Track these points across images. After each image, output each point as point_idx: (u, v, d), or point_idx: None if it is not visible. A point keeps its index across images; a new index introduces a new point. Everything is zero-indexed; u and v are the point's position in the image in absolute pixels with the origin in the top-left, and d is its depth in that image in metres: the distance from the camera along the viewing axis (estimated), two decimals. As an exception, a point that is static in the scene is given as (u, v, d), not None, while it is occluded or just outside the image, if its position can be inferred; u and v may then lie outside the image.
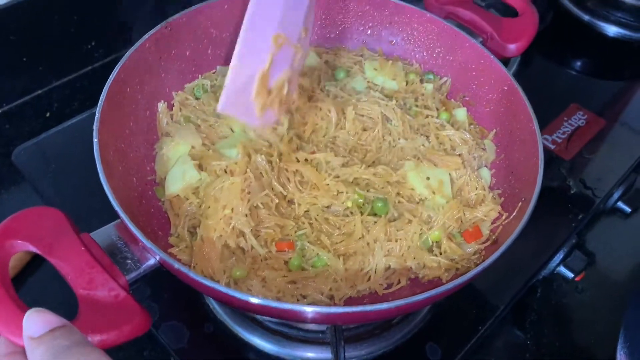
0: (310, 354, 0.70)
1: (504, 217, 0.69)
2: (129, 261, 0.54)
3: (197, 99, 0.77)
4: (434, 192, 0.69)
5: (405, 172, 0.70)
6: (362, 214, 0.67)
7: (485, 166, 0.77)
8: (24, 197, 0.86)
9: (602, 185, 0.92)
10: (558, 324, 0.81)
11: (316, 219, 0.66)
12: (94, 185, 0.57)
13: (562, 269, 0.84)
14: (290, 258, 0.64)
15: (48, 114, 0.98)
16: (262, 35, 0.61)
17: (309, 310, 0.51)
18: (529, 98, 0.72)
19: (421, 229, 0.66)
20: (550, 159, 0.94)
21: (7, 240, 0.51)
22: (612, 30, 1.15)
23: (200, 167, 0.68)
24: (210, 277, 0.62)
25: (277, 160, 0.68)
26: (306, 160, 0.69)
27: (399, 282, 0.65)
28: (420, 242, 0.66)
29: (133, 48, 0.68)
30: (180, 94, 0.77)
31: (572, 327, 0.81)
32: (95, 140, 0.59)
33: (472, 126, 0.81)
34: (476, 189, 0.72)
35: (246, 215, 0.63)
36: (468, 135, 0.77)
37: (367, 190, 0.68)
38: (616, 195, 0.94)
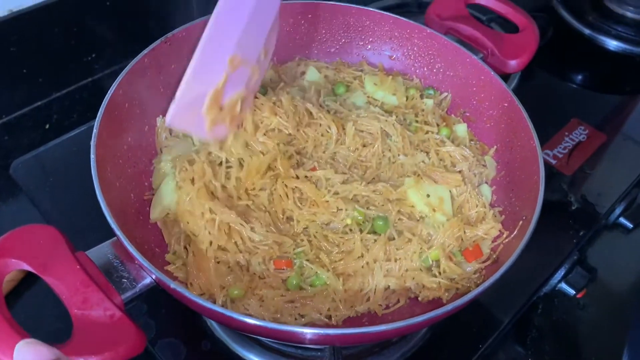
0: (308, 373, 0.69)
1: (504, 236, 0.68)
2: (125, 280, 0.54)
3: (196, 113, 0.77)
4: (434, 210, 0.68)
5: (405, 189, 0.69)
6: (361, 231, 0.66)
7: (486, 183, 0.76)
8: (21, 210, 0.85)
9: (603, 201, 0.91)
10: (559, 340, 0.80)
11: (315, 236, 0.66)
12: (92, 200, 0.57)
13: (563, 286, 0.83)
14: (288, 276, 0.63)
15: (47, 126, 0.98)
16: (219, 55, 0.62)
17: (307, 332, 0.50)
18: (529, 113, 0.72)
19: (421, 248, 0.66)
20: (551, 174, 0.93)
21: (1, 259, 0.51)
22: (613, 44, 1.15)
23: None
24: (207, 293, 0.62)
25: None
26: (305, 177, 0.69)
27: (397, 301, 0.65)
28: (419, 261, 0.65)
29: (132, 63, 0.68)
30: (179, 108, 0.77)
31: (574, 344, 0.80)
32: (92, 156, 0.59)
33: (472, 142, 0.81)
34: (477, 206, 0.71)
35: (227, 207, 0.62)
36: (468, 152, 0.76)
37: (367, 208, 0.67)
38: (618, 211, 0.93)
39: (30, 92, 0.98)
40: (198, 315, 0.73)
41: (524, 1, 0.93)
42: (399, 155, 0.75)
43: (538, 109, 0.74)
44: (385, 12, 0.85)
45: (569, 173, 0.94)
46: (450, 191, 0.71)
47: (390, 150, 0.75)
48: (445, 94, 0.85)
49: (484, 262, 0.67)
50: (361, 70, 0.86)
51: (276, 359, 0.69)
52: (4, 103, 0.96)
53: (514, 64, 0.82)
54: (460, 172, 0.74)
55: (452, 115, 0.84)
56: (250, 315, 0.55)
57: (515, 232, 0.66)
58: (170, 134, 0.75)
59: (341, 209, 0.67)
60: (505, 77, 0.80)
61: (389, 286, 0.64)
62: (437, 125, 0.79)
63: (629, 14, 1.17)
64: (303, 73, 0.85)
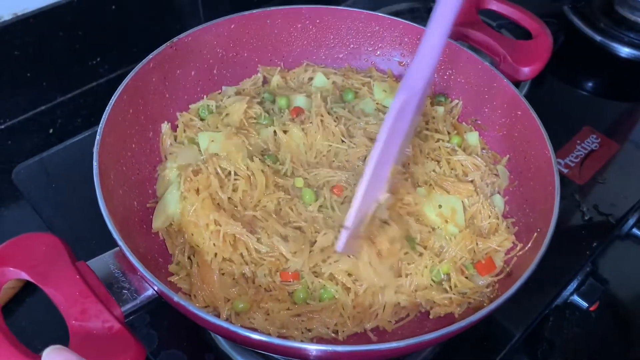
0: (314, 387, 0.67)
1: (518, 248, 0.66)
2: (125, 291, 0.53)
3: (202, 119, 0.76)
4: (446, 221, 0.67)
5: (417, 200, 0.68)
6: None
7: (498, 193, 0.74)
8: (23, 216, 0.84)
9: (616, 211, 0.89)
10: (570, 353, 0.78)
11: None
12: (95, 207, 0.56)
13: (575, 298, 0.81)
14: (295, 289, 0.61)
15: (51, 130, 0.97)
16: (386, 168, 0.59)
17: (314, 348, 0.48)
18: (540, 120, 0.70)
19: (432, 262, 0.64)
20: (563, 183, 0.90)
21: (-1, 268, 0.49)
22: (624, 51, 1.13)
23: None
24: (211, 306, 0.60)
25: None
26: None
27: (407, 315, 0.63)
28: (431, 276, 0.63)
29: (136, 69, 0.67)
30: (184, 114, 0.76)
31: (585, 357, 0.79)
32: (95, 164, 0.57)
33: (484, 151, 0.79)
34: (489, 217, 0.69)
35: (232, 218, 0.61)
36: (480, 161, 0.74)
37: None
38: (631, 222, 0.91)
39: (34, 97, 0.98)
40: (202, 327, 0.71)
41: (535, 7, 0.91)
42: (409, 164, 0.73)
43: (549, 117, 0.73)
44: (395, 18, 0.84)
45: (581, 182, 0.93)
46: (462, 201, 0.69)
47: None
48: (457, 101, 0.83)
49: (496, 275, 0.66)
50: (370, 77, 0.85)
51: (282, 373, 0.67)
52: (7, 107, 0.95)
53: (526, 71, 0.80)
54: (472, 181, 0.72)
55: (464, 123, 0.82)
56: (255, 330, 0.53)
57: (529, 245, 0.64)
58: (175, 141, 0.74)
59: None
60: (516, 84, 0.78)
61: (399, 302, 0.62)
62: (448, 133, 0.78)
63: (641, 21, 1.16)
64: (311, 79, 0.84)
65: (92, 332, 0.48)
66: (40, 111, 0.99)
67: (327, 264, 0.61)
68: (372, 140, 0.74)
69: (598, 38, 1.14)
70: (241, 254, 0.61)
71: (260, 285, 0.61)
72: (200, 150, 0.70)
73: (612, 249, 0.89)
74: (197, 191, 0.63)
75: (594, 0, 1.21)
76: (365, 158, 0.72)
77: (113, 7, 0.97)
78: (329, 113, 0.75)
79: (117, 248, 0.54)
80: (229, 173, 0.66)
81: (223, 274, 0.61)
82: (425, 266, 0.63)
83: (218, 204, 0.63)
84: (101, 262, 0.54)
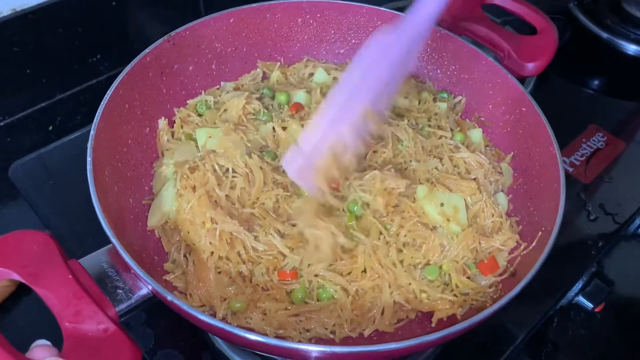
0: (312, 388, 0.66)
1: (522, 247, 0.65)
2: (120, 290, 0.51)
3: (199, 115, 0.75)
4: (448, 219, 0.65)
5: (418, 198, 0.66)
6: None
7: (502, 191, 0.73)
8: (21, 213, 0.83)
9: (622, 211, 0.87)
10: (575, 355, 0.77)
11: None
12: (91, 204, 0.55)
13: (581, 299, 0.80)
14: (293, 289, 0.60)
15: (51, 128, 0.96)
16: (355, 104, 0.58)
17: (312, 349, 0.47)
18: (545, 118, 0.69)
19: (430, 261, 0.63)
20: (569, 182, 0.89)
21: (-12, 268, 0.48)
22: (631, 48, 1.12)
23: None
24: (207, 305, 0.59)
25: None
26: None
27: (407, 316, 0.61)
28: (432, 276, 0.62)
29: (132, 63, 0.66)
30: (182, 110, 0.75)
31: (590, 359, 0.78)
32: (89, 159, 0.56)
33: (488, 148, 0.78)
34: (492, 215, 0.68)
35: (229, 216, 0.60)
36: (484, 158, 0.73)
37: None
38: (638, 222, 0.89)
39: (34, 94, 0.97)
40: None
41: (540, 3, 0.90)
42: (410, 161, 0.72)
43: (554, 115, 0.72)
44: (398, 12, 0.82)
45: (587, 181, 0.91)
46: (465, 200, 0.68)
47: (401, 155, 0.72)
48: (460, 97, 0.82)
49: (500, 275, 0.64)
50: (372, 73, 0.83)
51: (280, 374, 0.66)
52: (6, 104, 0.95)
53: (531, 67, 0.79)
54: (475, 179, 0.71)
55: (467, 119, 0.81)
56: (252, 330, 0.52)
57: (534, 244, 0.63)
58: (173, 137, 0.72)
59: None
60: (521, 81, 0.77)
61: (399, 302, 0.61)
62: (451, 130, 0.76)
63: (648, 18, 1.14)
64: (311, 75, 0.83)
65: (86, 334, 0.47)
66: (39, 108, 0.98)
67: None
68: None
69: (604, 35, 1.13)
70: (238, 253, 0.60)
71: (257, 284, 0.60)
72: (197, 147, 0.70)
73: (618, 249, 0.88)
74: (194, 188, 0.62)
75: (601, -3, 1.20)
76: (366, 155, 0.70)
77: (113, 3, 0.97)
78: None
79: (110, 245, 0.52)
80: (227, 170, 0.65)
81: (219, 273, 0.60)
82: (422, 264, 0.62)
83: (215, 201, 0.62)
84: (94, 260, 0.53)
